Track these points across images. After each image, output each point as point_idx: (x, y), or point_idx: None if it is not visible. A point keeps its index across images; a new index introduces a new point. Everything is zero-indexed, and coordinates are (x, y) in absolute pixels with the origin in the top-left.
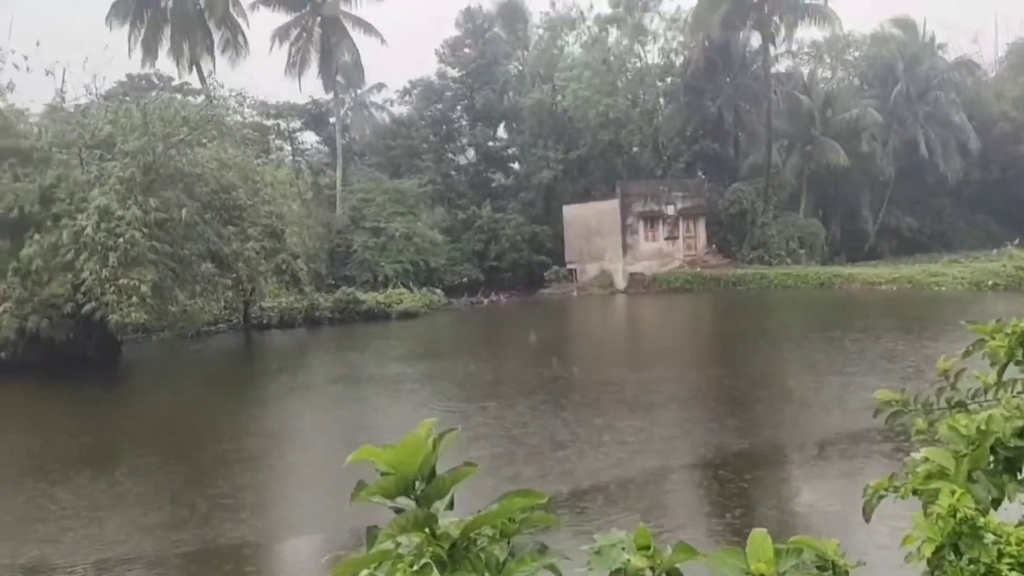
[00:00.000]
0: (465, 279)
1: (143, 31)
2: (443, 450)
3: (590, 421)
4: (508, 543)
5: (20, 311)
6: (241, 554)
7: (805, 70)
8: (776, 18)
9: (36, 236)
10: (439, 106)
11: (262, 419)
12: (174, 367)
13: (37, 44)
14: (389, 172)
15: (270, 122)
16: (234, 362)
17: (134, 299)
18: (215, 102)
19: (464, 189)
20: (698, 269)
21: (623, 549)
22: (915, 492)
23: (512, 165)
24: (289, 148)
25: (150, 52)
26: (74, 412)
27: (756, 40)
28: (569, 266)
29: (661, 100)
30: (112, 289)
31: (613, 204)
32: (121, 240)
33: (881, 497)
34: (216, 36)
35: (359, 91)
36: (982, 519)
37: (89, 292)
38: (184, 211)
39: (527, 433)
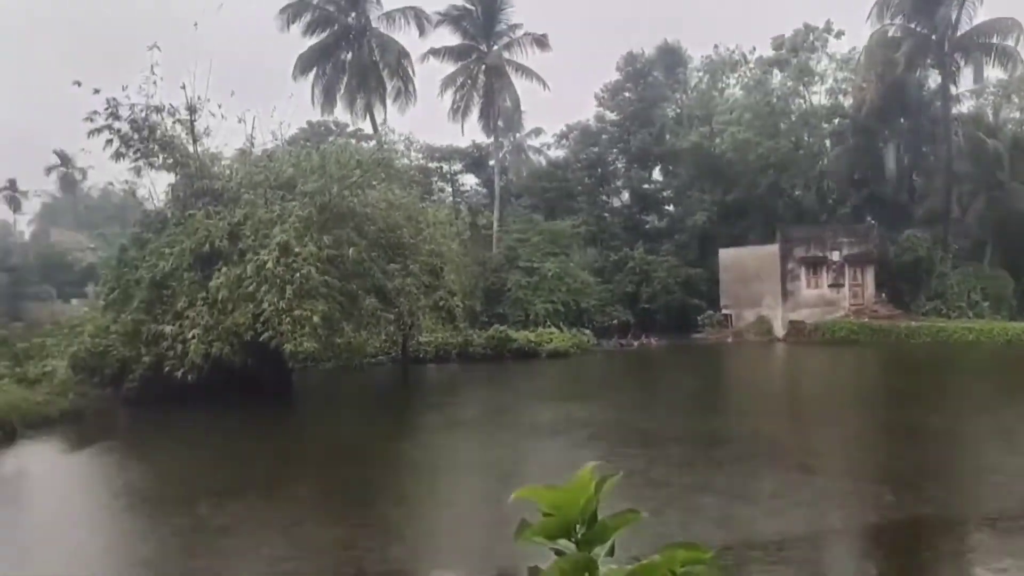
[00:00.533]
0: (615, 320)
1: (324, 81)
2: (605, 494)
3: (740, 476)
4: None
5: (207, 337)
6: None
7: (990, 110)
8: (958, 57)
9: (224, 269)
10: (595, 149)
11: (418, 449)
12: (338, 395)
13: (231, 94)
14: (544, 213)
15: (433, 165)
16: (393, 393)
17: (306, 329)
18: (385, 147)
19: (617, 231)
20: (865, 319)
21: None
22: None
23: (666, 207)
24: (450, 189)
25: (329, 101)
26: (249, 434)
27: (935, 79)
28: (724, 311)
29: (827, 142)
30: (287, 320)
31: (773, 248)
32: (298, 274)
33: None
34: (388, 85)
35: (517, 135)
36: None
37: (267, 322)
38: (352, 250)
39: (674, 483)
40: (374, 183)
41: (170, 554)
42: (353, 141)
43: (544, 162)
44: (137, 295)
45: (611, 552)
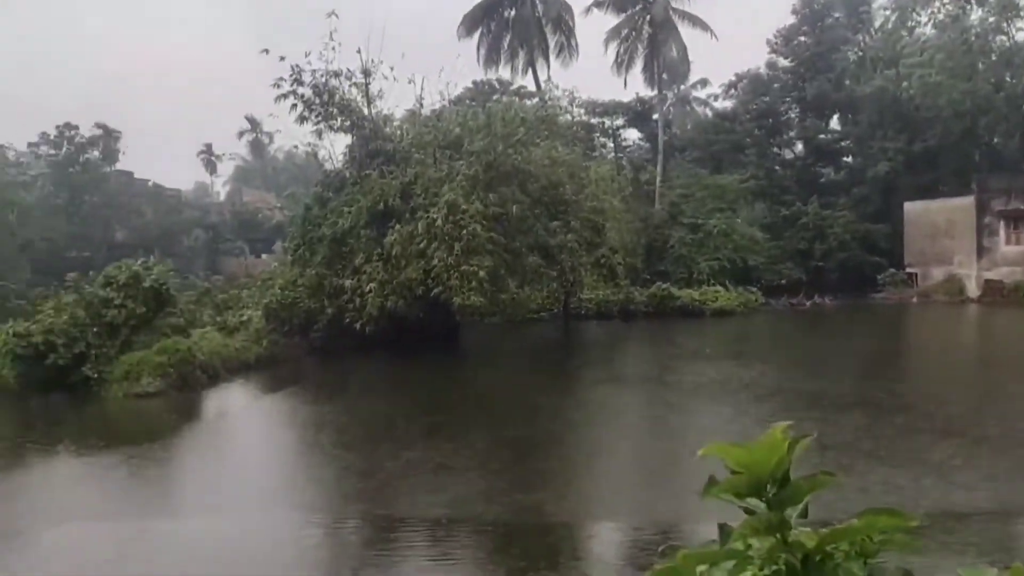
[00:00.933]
0: (784, 279)
1: (488, 40)
2: (797, 455)
3: (921, 445)
4: (865, 563)
5: (382, 291)
6: (555, 531)
7: None
8: None
9: (397, 226)
10: (766, 98)
11: (579, 403)
12: (502, 348)
13: (402, 56)
14: (710, 168)
15: (595, 120)
16: (555, 348)
17: (473, 284)
18: (548, 103)
19: (789, 184)
20: None
21: None
22: None
23: (844, 159)
24: (612, 145)
25: (493, 59)
26: (421, 381)
27: None
28: (908, 270)
29: None
30: (455, 275)
31: (967, 201)
32: (465, 231)
33: None
34: (551, 41)
35: (682, 87)
36: None
37: (437, 277)
38: (516, 207)
39: (850, 449)
40: (537, 141)
41: (373, 486)
42: (517, 99)
43: (710, 114)
44: (320, 251)
45: (804, 515)
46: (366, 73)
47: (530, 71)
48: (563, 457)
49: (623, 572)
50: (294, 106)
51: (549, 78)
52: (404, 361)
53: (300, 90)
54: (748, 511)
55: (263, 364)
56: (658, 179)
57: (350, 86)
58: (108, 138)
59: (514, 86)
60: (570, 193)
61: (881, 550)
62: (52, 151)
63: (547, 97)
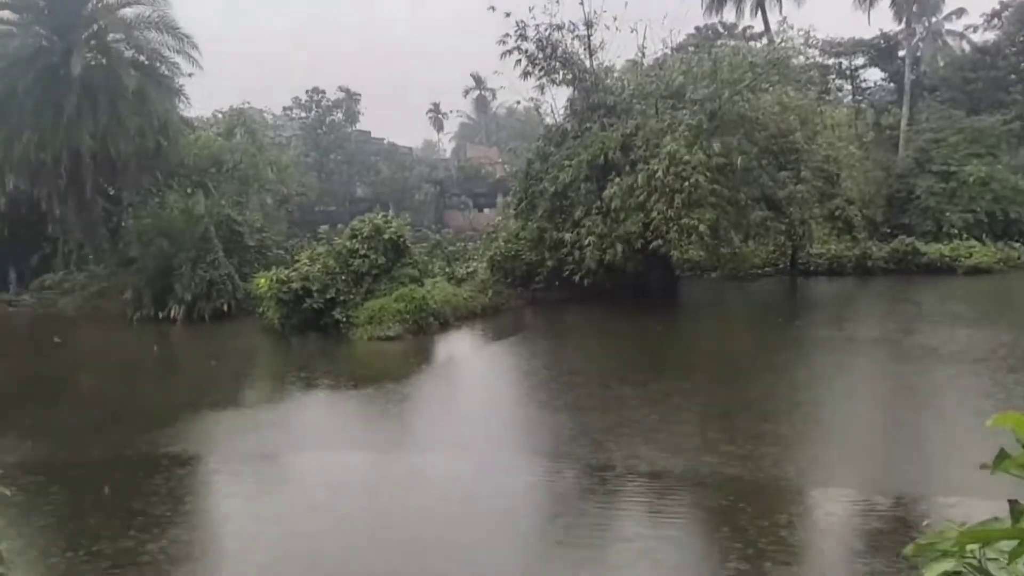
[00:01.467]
0: None
1: None
2: None
3: None
4: None
5: (600, 244)
6: (776, 491)
7: None
8: None
9: (616, 179)
10: None
11: (803, 364)
12: (723, 304)
13: (625, 5)
14: (966, 108)
15: (831, 61)
16: (780, 305)
17: (693, 238)
18: (779, 45)
19: None
20: None
21: None
22: None
23: None
24: (849, 87)
25: (718, 1)
26: (638, 335)
27: None
28: None
29: None
30: (675, 228)
31: None
32: (686, 183)
33: None
34: None
35: (933, 19)
36: None
37: (656, 230)
38: (741, 157)
39: None
40: (766, 86)
41: (594, 434)
42: (744, 43)
43: (967, 49)
44: (541, 205)
45: None
46: (588, 24)
47: (759, 11)
48: (779, 419)
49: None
50: (518, 62)
51: (784, 18)
52: (622, 314)
53: (524, 45)
54: None
55: (488, 313)
56: (903, 123)
57: (572, 39)
58: (350, 100)
59: (739, 28)
60: (801, 141)
61: None
62: (303, 114)
63: (780, 38)
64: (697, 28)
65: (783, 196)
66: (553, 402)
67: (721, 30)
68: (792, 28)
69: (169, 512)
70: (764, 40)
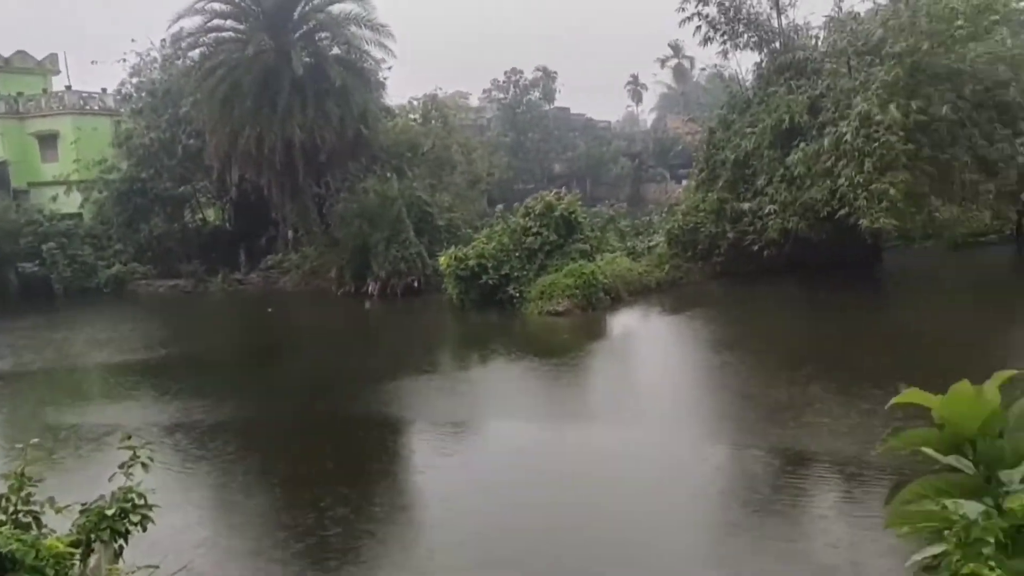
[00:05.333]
0: None
1: None
2: (1021, 411)
3: None
4: None
5: (783, 213)
6: None
7: None
8: None
9: (801, 144)
10: None
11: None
12: (930, 277)
13: None
14: None
15: None
16: (998, 279)
17: (883, 204)
18: None
19: None
20: None
21: None
22: None
23: None
24: None
25: None
26: (821, 312)
27: None
28: None
29: None
30: (864, 194)
31: None
32: (877, 145)
33: None
34: None
35: None
36: None
37: (843, 198)
38: (946, 108)
39: None
40: (985, 34)
41: (766, 417)
42: None
43: None
44: (722, 175)
45: None
46: None
47: None
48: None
49: None
50: (698, 28)
51: None
52: (808, 288)
53: (705, 10)
54: (954, 470)
55: (664, 287)
56: None
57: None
58: (547, 79)
59: None
60: (1016, 94)
61: None
62: (501, 95)
63: None
64: None
65: (999, 155)
66: (712, 379)
67: None
68: None
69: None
70: None
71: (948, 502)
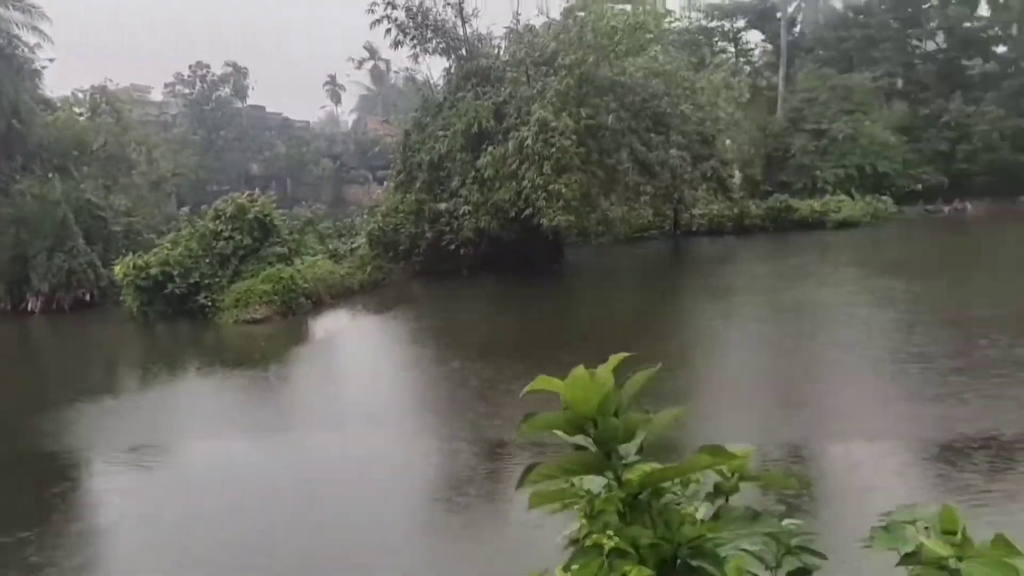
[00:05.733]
0: (920, 185)
1: None
2: (634, 389)
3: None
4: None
5: (476, 214)
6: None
7: None
8: None
9: (490, 148)
10: None
11: (661, 321)
12: (601, 268)
13: None
14: (840, 67)
15: (714, 24)
16: (652, 266)
17: (560, 203)
18: (641, 10)
19: (929, 81)
20: None
21: (926, 528)
22: None
23: (994, 49)
24: (732, 49)
25: None
26: (511, 302)
27: None
28: None
29: None
30: (543, 195)
31: None
32: (554, 149)
33: None
34: None
35: None
36: None
37: (527, 198)
38: (611, 117)
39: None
40: (640, 50)
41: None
42: (622, 7)
43: (841, 7)
44: (419, 176)
45: (640, 451)
46: None
47: None
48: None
49: None
50: (388, 31)
51: None
52: (500, 284)
53: (393, 14)
54: (580, 448)
55: (367, 289)
56: (780, 83)
57: (444, 5)
58: (237, 75)
59: None
60: (667, 105)
61: (735, 489)
62: (187, 90)
63: (648, 4)
64: None
65: (656, 160)
66: (403, 377)
67: None
68: None
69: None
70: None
71: (575, 479)
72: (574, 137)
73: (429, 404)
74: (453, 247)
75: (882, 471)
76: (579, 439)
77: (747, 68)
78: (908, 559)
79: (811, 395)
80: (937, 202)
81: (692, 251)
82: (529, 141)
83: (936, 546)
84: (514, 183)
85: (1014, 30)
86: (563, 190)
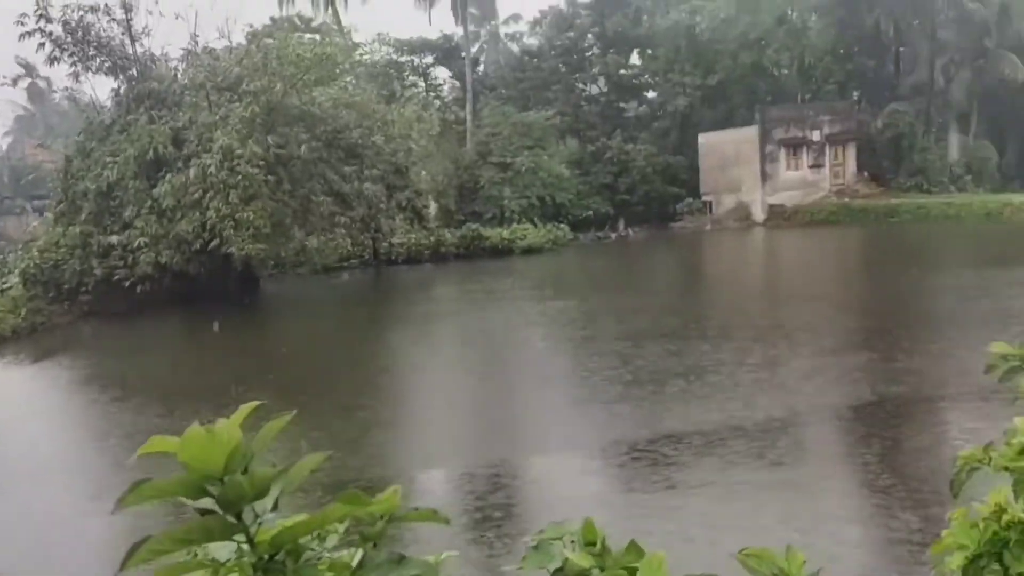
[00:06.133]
0: (591, 213)
1: None
2: (265, 440)
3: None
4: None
5: (156, 247)
6: None
7: None
8: None
9: (168, 176)
10: (569, 35)
11: (350, 351)
12: (297, 300)
13: None
14: (519, 105)
15: (404, 59)
16: (348, 297)
17: (249, 231)
18: (328, 41)
19: (594, 120)
20: (846, 200)
21: (572, 542)
22: (1006, 469)
23: (646, 94)
24: (423, 84)
25: None
26: (196, 341)
27: None
28: (704, 198)
29: (812, 16)
30: (231, 224)
31: (752, 131)
32: (240, 177)
33: (973, 470)
34: None
35: (493, 23)
36: None
37: (213, 228)
38: (304, 147)
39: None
40: (331, 80)
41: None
42: (311, 36)
43: (519, 51)
44: (85, 206)
45: (275, 507)
46: (126, 8)
47: (329, 6)
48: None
49: None
50: (41, 45)
51: (336, 10)
52: (185, 320)
53: (48, 27)
54: (205, 512)
55: (22, 335)
56: (468, 118)
57: (109, 22)
58: None
59: (317, 22)
60: (358, 136)
61: (381, 534)
62: None
63: (333, 32)
64: (273, 19)
65: (351, 191)
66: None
67: (298, 23)
68: (348, 30)
69: None
70: (318, 35)
71: (198, 549)
72: (262, 164)
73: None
74: (129, 283)
75: (562, 483)
76: (206, 502)
77: (437, 102)
78: (557, 575)
79: (495, 414)
80: (606, 229)
81: (390, 279)
82: (213, 169)
83: (579, 559)
84: (198, 213)
85: (660, 79)
86: (251, 217)
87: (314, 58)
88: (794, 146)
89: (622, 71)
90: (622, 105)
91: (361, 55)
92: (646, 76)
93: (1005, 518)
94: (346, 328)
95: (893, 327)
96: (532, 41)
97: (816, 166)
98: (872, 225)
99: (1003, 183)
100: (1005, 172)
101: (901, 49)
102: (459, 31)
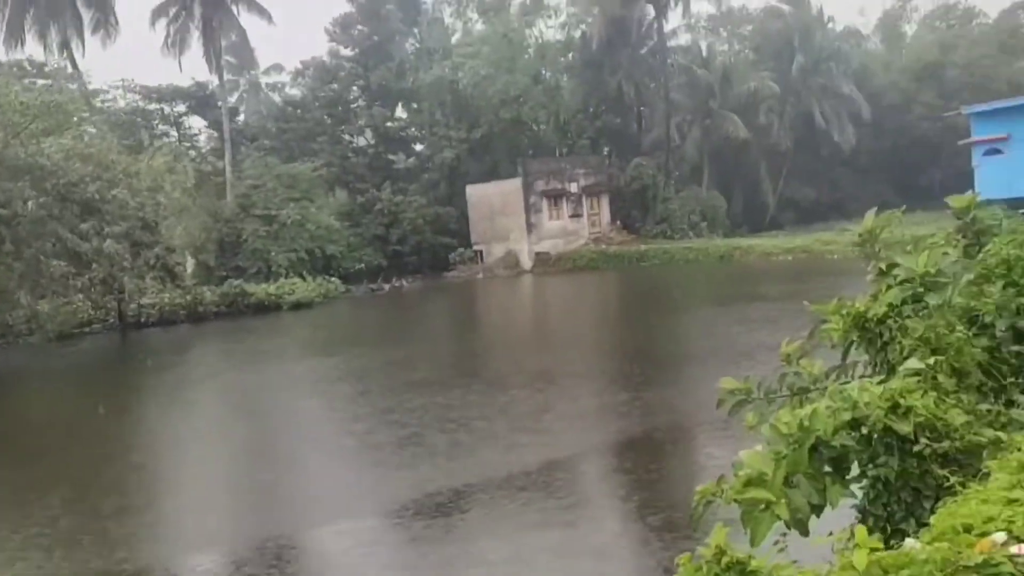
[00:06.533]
0: (364, 266)
1: (7, 11)
2: None
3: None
4: None
5: None
6: None
7: (703, 44)
8: None
9: None
10: (333, 86)
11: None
12: (28, 375)
13: None
14: (284, 156)
15: (153, 106)
16: (81, 365)
17: None
18: (60, 87)
19: (363, 172)
20: (603, 247)
21: None
22: (735, 501)
23: (414, 146)
24: (176, 134)
25: (14, 34)
26: None
27: (652, 13)
28: (475, 247)
29: (564, 76)
30: None
31: (516, 183)
32: None
33: (709, 503)
34: (85, 16)
35: (253, 72)
36: (754, 562)
37: None
38: (30, 204)
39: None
40: (68, 129)
41: None
42: (45, 82)
43: (281, 101)
44: None
45: None
46: None
47: (65, 51)
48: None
49: None
50: None
51: (72, 56)
52: None
53: None
54: None
55: None
56: (227, 170)
57: None
58: None
59: (50, 67)
60: (95, 190)
61: None
62: None
63: (86, 81)
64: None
65: (89, 249)
66: None
67: (29, 67)
68: (91, 78)
69: None
70: (49, 81)
71: None
72: None
73: None
74: None
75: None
76: None
77: (192, 153)
78: None
79: (268, 484)
80: (379, 281)
81: (137, 344)
82: None
83: None
84: None
85: (427, 132)
86: None
87: (41, 105)
88: (555, 197)
89: (388, 123)
90: (391, 157)
91: (102, 102)
92: (412, 129)
93: (724, 560)
94: (80, 401)
95: (646, 367)
96: (295, 92)
97: (575, 216)
98: (626, 270)
99: (732, 229)
100: (733, 219)
101: (642, 109)
102: (214, 79)
